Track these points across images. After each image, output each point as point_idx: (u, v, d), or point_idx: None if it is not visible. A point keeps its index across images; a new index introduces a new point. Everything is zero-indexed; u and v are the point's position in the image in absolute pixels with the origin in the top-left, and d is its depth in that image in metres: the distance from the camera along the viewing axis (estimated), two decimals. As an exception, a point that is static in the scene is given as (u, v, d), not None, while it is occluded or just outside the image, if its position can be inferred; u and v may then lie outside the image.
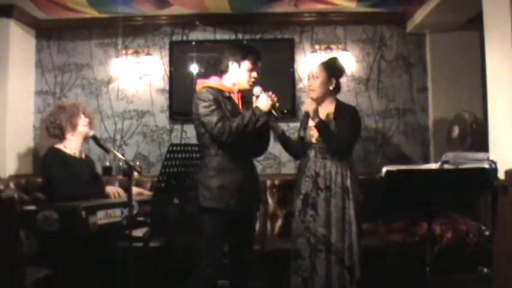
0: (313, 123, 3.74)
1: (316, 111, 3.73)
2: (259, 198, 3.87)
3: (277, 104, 3.46)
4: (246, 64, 3.50)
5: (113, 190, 4.06)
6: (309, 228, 3.69)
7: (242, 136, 3.36)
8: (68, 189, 3.79)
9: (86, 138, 4.22)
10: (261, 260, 4.28)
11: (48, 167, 4.01)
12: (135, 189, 3.87)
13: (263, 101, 3.42)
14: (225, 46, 3.69)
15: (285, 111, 5.04)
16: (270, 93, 3.46)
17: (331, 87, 3.82)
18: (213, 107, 3.35)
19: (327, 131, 3.71)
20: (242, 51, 3.54)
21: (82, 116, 4.17)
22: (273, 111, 3.44)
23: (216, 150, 3.41)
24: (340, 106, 3.84)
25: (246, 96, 3.62)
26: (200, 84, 3.56)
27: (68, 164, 3.98)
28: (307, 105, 3.80)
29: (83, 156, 4.24)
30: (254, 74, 3.52)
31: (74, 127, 4.11)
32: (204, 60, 5.64)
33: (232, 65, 3.52)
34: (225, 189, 3.39)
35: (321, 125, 3.71)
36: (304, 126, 3.95)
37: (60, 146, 4.08)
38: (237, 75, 3.52)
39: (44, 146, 4.13)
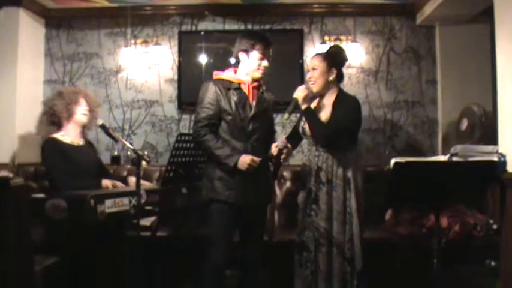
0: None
1: (305, 98, 3.65)
2: (269, 191, 3.86)
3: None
4: (255, 54, 3.50)
5: (108, 183, 3.82)
6: (312, 222, 3.65)
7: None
8: (67, 181, 3.68)
9: (84, 127, 4.04)
10: (268, 251, 4.29)
11: (46, 158, 3.87)
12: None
13: (243, 161, 3.35)
14: (236, 36, 3.67)
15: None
16: (280, 155, 3.48)
17: (331, 78, 3.71)
18: (202, 104, 3.46)
19: (313, 118, 3.64)
20: (250, 41, 3.52)
21: (82, 103, 3.98)
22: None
23: (221, 140, 3.44)
24: (341, 96, 3.74)
25: (261, 86, 3.64)
26: (214, 75, 3.60)
27: (66, 155, 3.82)
28: (297, 92, 3.67)
29: (83, 143, 4.04)
30: (264, 63, 3.51)
31: (70, 115, 3.93)
32: (213, 51, 5.62)
33: (242, 56, 3.53)
34: (224, 180, 3.41)
35: (307, 112, 3.66)
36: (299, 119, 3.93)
37: (57, 135, 3.91)
38: (247, 65, 3.53)
39: (42, 133, 3.98)
